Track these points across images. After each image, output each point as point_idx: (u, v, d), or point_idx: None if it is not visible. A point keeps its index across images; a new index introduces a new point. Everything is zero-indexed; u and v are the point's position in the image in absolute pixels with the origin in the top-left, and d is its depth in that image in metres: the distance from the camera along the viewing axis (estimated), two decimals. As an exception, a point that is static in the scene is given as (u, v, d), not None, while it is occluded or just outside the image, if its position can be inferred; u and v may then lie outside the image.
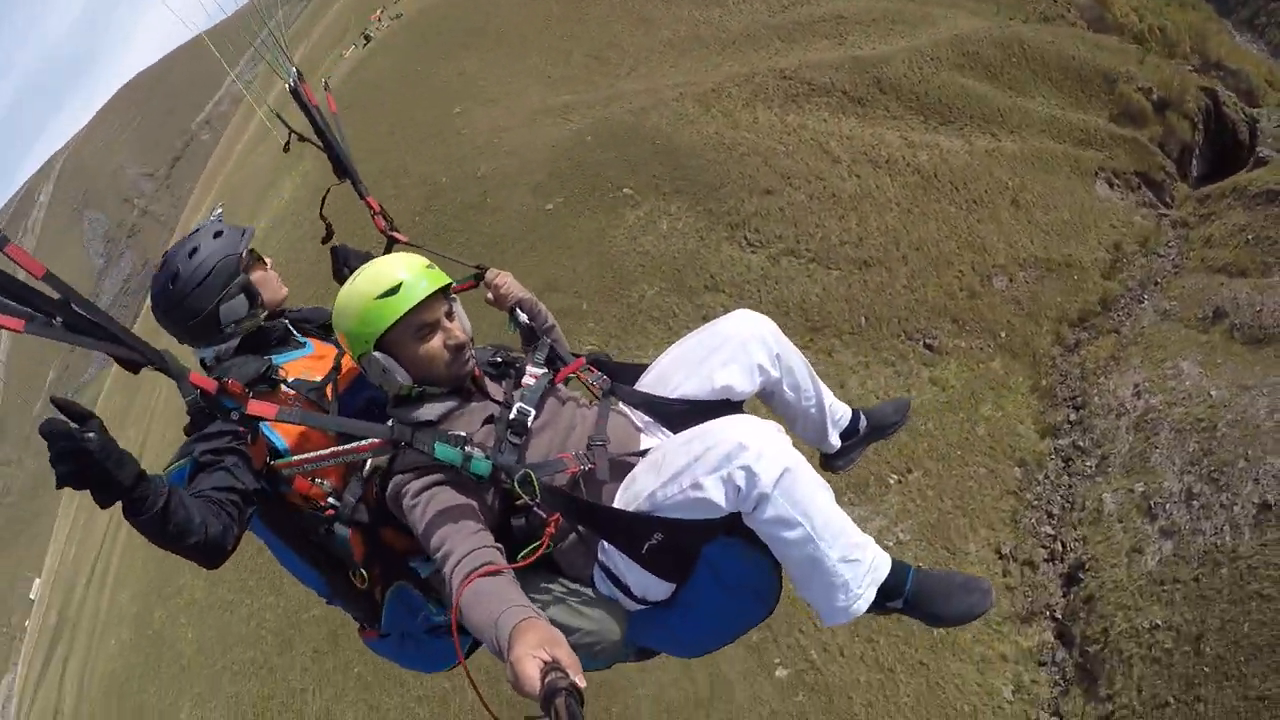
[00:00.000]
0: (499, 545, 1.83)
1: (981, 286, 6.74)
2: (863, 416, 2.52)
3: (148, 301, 2.42)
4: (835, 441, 2.46)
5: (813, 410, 2.35)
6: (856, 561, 1.84)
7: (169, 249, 2.42)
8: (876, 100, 8.93)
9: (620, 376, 2.35)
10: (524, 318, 2.43)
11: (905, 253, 7.29)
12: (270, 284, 2.47)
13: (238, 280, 2.34)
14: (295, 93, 2.61)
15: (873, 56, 9.49)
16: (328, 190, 2.80)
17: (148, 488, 1.71)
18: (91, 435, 1.56)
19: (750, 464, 1.70)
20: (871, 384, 6.36)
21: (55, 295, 1.76)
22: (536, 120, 12.46)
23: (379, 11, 24.26)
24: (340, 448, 2.06)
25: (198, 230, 2.42)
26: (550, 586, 2.00)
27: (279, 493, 2.15)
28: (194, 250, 2.35)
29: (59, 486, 1.63)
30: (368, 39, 22.52)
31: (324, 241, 2.76)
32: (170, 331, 2.38)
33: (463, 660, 1.79)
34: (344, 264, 2.56)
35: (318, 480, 2.15)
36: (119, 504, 1.69)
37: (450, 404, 2.08)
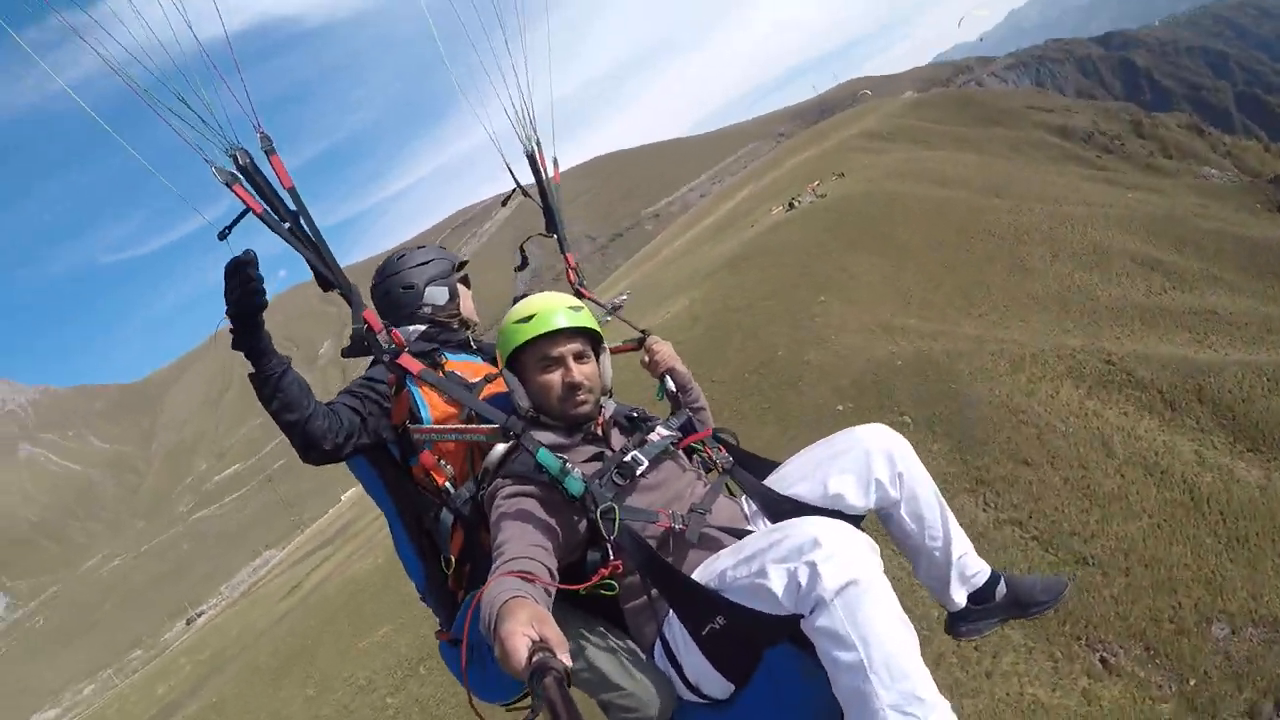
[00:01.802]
0: (553, 566, 1.79)
1: (1196, 626, 6.19)
2: (1004, 582, 2.25)
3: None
4: (960, 600, 2.21)
5: (937, 552, 2.13)
6: (912, 718, 1.57)
7: None
8: (1190, 408, 8.50)
9: (745, 463, 2.30)
10: (672, 386, 2.51)
11: (1131, 565, 6.89)
12: (468, 300, 2.74)
13: (448, 278, 2.67)
14: (531, 158, 2.75)
15: (1205, 362, 9.04)
16: (530, 236, 2.90)
17: (272, 355, 1.97)
18: (262, 290, 1.83)
19: (817, 562, 1.59)
20: (1023, 667, 6.26)
21: (292, 207, 2.01)
22: (874, 332, 13.53)
23: (816, 183, 26.69)
24: (463, 426, 2.21)
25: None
26: (609, 635, 1.96)
27: (407, 465, 2.32)
28: (422, 248, 2.72)
29: (229, 313, 1.86)
30: (792, 205, 24.69)
31: (516, 269, 3.01)
32: (376, 299, 2.66)
33: (464, 655, 1.77)
34: None
35: (442, 462, 2.28)
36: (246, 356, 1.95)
37: (563, 437, 2.13)
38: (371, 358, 2.36)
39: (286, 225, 2.03)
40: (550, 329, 2.09)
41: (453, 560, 2.27)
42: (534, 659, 1.23)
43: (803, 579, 1.61)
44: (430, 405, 2.33)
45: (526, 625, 1.31)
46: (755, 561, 1.74)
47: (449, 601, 2.34)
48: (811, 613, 1.63)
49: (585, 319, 2.17)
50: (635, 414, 2.32)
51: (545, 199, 2.78)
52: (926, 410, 10.37)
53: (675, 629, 1.89)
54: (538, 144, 2.79)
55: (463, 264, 2.77)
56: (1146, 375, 9.24)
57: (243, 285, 1.81)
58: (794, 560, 1.63)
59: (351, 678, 11.36)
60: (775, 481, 2.20)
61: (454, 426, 2.26)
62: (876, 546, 1.71)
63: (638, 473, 2.02)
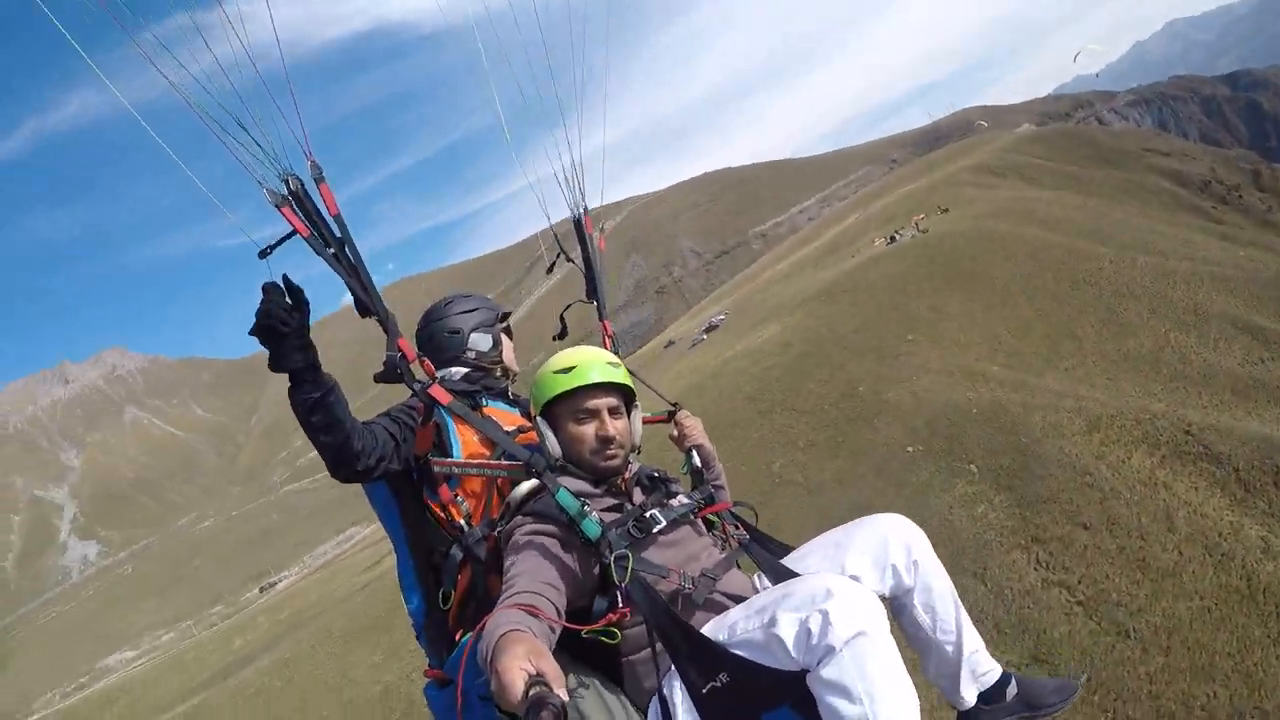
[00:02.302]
0: (560, 606, 1.78)
1: (1226, 718, 6.26)
2: (1015, 682, 2.19)
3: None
4: (969, 698, 2.14)
5: (948, 647, 2.08)
6: None
7: None
8: (1265, 490, 8.39)
9: (761, 542, 2.28)
10: (698, 462, 2.49)
11: (1173, 645, 6.93)
12: (509, 350, 2.75)
13: (492, 326, 2.70)
14: (578, 224, 2.81)
15: (1287, 443, 8.90)
16: (571, 304, 2.95)
17: (316, 376, 1.90)
18: (293, 318, 1.77)
19: (830, 610, 1.58)
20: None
21: (337, 234, 1.98)
22: (955, 376, 13.52)
23: (920, 217, 26.43)
24: (486, 461, 2.21)
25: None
26: (604, 688, 1.92)
27: (424, 498, 2.31)
28: (469, 296, 2.78)
29: (251, 333, 1.78)
30: (893, 239, 24.66)
31: (555, 338, 2.89)
32: (421, 342, 2.69)
33: (459, 698, 1.78)
34: None
35: (460, 498, 2.28)
36: (286, 376, 1.90)
37: (588, 486, 2.13)
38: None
39: (330, 250, 2.07)
40: (588, 382, 2.10)
41: (452, 596, 2.26)
42: (530, 693, 1.20)
43: (814, 626, 1.60)
44: (463, 442, 2.35)
45: (524, 659, 1.29)
46: (767, 612, 1.72)
47: (444, 640, 2.31)
48: (819, 664, 1.60)
49: (623, 375, 2.19)
50: (658, 475, 2.35)
51: (589, 266, 2.79)
52: (994, 461, 10.45)
53: (675, 687, 1.83)
54: (585, 209, 2.81)
55: (506, 315, 2.80)
56: (1225, 450, 9.12)
57: (266, 307, 1.79)
58: (806, 609, 1.62)
59: (418, 650, 12.29)
60: (790, 563, 2.17)
61: (478, 461, 2.27)
62: (882, 605, 1.66)
63: (655, 529, 2.04)
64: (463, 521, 2.31)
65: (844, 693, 1.58)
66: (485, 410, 2.52)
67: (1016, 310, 16.03)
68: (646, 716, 1.94)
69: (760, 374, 16.92)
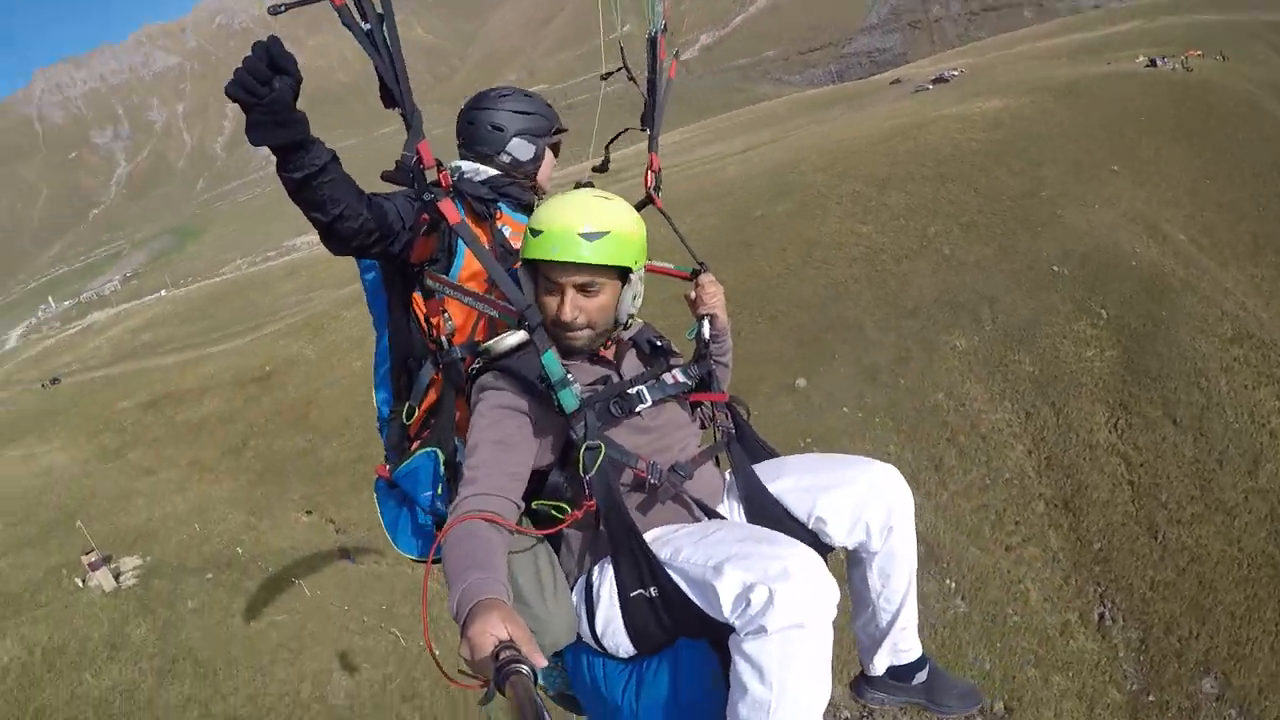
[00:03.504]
0: (520, 502, 1.78)
1: (1201, 654, 6.88)
2: (927, 670, 2.18)
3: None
4: (879, 667, 2.15)
5: (885, 614, 2.08)
6: None
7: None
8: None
9: (746, 443, 2.20)
10: (707, 333, 2.33)
11: (1188, 571, 7.17)
12: (548, 169, 2.57)
13: (540, 136, 2.47)
14: (652, 41, 2.56)
15: None
16: (625, 130, 2.76)
17: (299, 155, 1.76)
18: (268, 89, 1.61)
19: (777, 590, 1.54)
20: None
21: (379, 11, 1.80)
22: (1137, 223, 12.42)
23: (1197, 53, 23.20)
24: (480, 294, 2.10)
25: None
26: (538, 554, 1.95)
27: (411, 301, 2.25)
28: (530, 96, 2.54)
29: (226, 93, 1.66)
30: (1153, 64, 22.34)
31: (596, 169, 2.73)
32: (460, 125, 2.53)
33: (427, 575, 1.75)
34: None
35: (446, 315, 2.20)
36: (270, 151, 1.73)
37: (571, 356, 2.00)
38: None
39: (367, 27, 1.84)
40: (548, 258, 1.86)
41: (416, 412, 2.24)
42: (500, 657, 1.23)
43: (755, 599, 1.56)
44: (465, 261, 2.20)
45: (497, 625, 1.30)
46: (716, 556, 1.69)
47: (402, 444, 2.28)
48: (746, 634, 1.59)
49: (600, 253, 1.88)
50: (660, 344, 2.16)
51: (652, 90, 2.52)
52: (1126, 317, 10.21)
53: (605, 577, 1.84)
54: (663, 28, 2.52)
55: (561, 130, 2.62)
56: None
57: (238, 75, 1.62)
58: (756, 577, 1.57)
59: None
60: (768, 471, 2.08)
61: (472, 290, 2.11)
62: (838, 595, 1.62)
63: (636, 409, 1.93)
64: (444, 338, 2.21)
65: (758, 672, 1.58)
66: (500, 218, 2.32)
67: (1240, 193, 14.44)
68: (571, 589, 1.93)
69: (961, 142, 15.93)
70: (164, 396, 19.05)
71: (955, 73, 35.08)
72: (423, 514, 2.08)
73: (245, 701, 8.54)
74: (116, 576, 10.99)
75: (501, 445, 1.81)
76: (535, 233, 1.85)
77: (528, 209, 2.41)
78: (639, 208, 2.22)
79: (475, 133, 2.42)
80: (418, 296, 2.23)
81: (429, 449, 2.09)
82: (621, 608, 1.77)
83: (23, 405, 25.55)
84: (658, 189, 2.52)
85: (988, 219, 12.34)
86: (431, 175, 2.06)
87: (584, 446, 1.80)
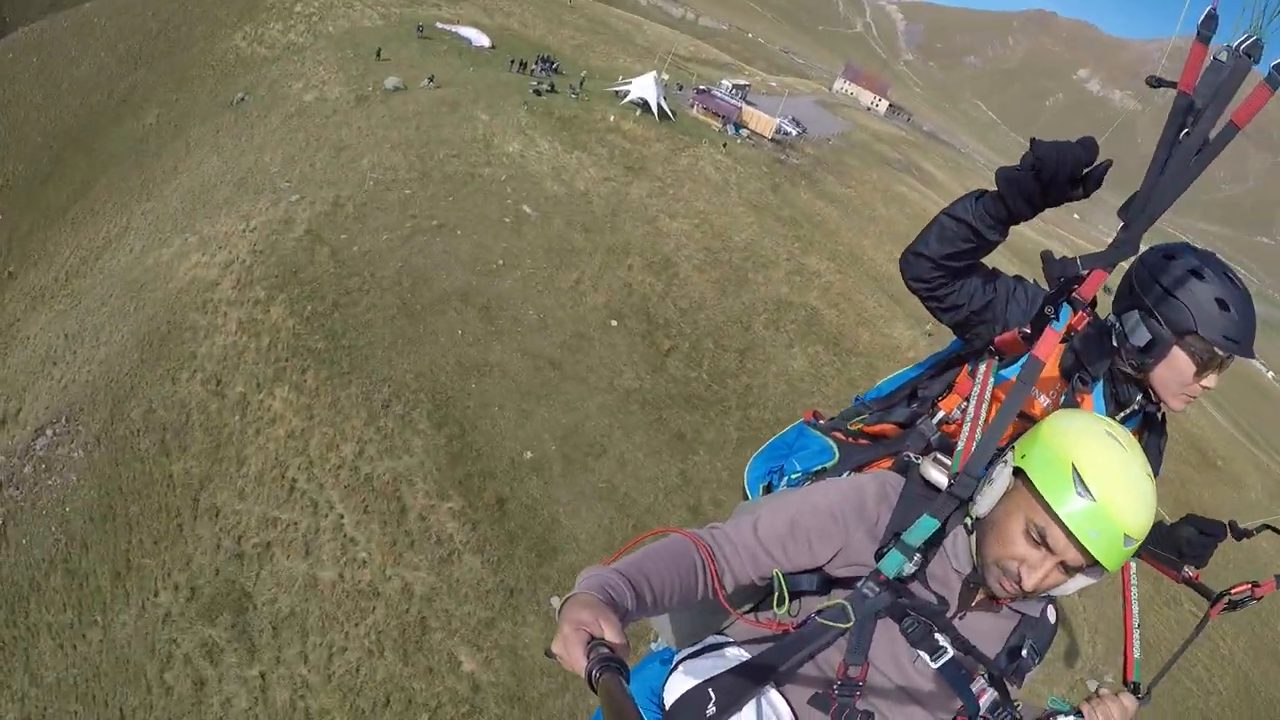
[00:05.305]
0: (742, 578, 1.63)
1: None
2: None
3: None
4: None
5: None
6: None
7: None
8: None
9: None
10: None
11: None
12: (1166, 370, 1.96)
13: (1184, 337, 1.89)
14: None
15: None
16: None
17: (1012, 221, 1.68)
18: (1075, 195, 1.54)
19: None
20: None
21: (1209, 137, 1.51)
22: None
23: None
24: (980, 418, 1.77)
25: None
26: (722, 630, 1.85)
27: (964, 364, 2.09)
28: (1233, 279, 1.90)
29: (1045, 165, 1.54)
30: None
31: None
32: (1139, 276, 1.95)
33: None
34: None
35: (965, 405, 1.88)
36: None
37: (953, 584, 1.66)
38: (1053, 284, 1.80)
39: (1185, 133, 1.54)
40: (1076, 538, 1.46)
41: (875, 425, 2.18)
42: (591, 655, 1.20)
43: None
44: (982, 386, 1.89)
45: (592, 622, 1.24)
46: None
47: (853, 434, 2.23)
48: None
49: (1121, 560, 1.50)
50: (1023, 652, 1.75)
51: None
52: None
53: (678, 679, 1.71)
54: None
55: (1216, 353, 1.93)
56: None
57: (1071, 159, 1.51)
58: None
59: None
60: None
61: (975, 412, 1.80)
62: None
63: (921, 649, 1.63)
64: (943, 413, 2.06)
65: None
66: (1079, 398, 2.00)
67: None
68: (674, 648, 1.87)
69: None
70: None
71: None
72: (787, 478, 2.12)
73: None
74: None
75: (791, 528, 1.66)
76: (1083, 491, 1.45)
77: (1115, 399, 2.03)
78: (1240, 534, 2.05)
79: (1162, 303, 1.90)
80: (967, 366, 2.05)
81: (831, 444, 2.13)
82: (685, 692, 1.64)
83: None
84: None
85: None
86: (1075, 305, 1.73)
87: (845, 603, 1.60)
